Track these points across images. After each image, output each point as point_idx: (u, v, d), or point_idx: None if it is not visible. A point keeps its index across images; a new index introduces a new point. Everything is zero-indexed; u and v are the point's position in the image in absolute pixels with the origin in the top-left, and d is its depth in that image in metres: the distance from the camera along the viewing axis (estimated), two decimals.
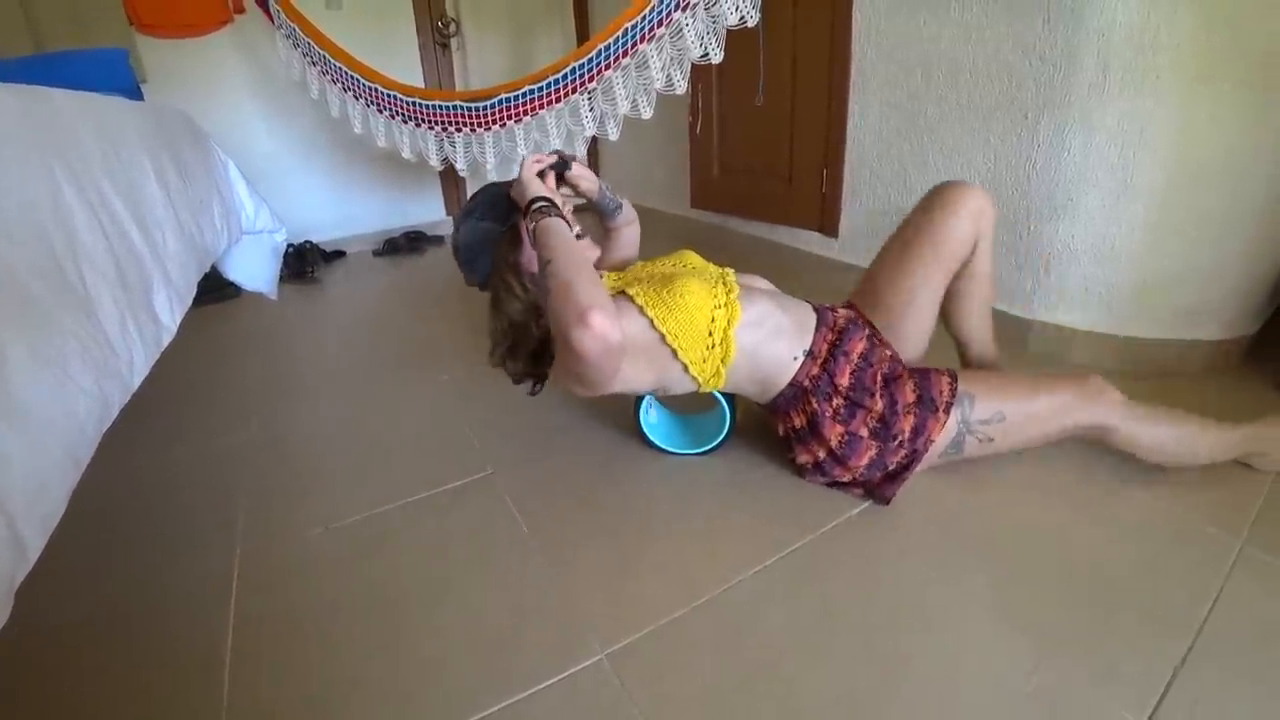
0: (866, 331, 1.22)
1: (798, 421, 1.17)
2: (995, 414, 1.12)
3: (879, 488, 1.15)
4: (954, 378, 1.15)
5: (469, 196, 1.17)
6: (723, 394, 1.27)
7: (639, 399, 1.33)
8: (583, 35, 3.56)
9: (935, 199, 1.24)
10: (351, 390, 1.74)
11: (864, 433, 1.13)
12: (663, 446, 1.33)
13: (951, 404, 1.12)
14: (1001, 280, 1.81)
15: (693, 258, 1.28)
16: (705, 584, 1.00)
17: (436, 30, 3.22)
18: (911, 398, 1.14)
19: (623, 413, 1.43)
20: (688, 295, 1.07)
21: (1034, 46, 1.62)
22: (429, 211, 3.46)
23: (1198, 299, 1.62)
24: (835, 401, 1.13)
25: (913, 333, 1.28)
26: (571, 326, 0.90)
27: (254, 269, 2.08)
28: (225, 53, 2.82)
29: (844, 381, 1.14)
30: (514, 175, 1.15)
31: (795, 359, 1.15)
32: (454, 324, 2.17)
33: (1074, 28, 1.55)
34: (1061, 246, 1.67)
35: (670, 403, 1.40)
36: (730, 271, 1.21)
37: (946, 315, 1.32)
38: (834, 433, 1.13)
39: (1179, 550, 1.04)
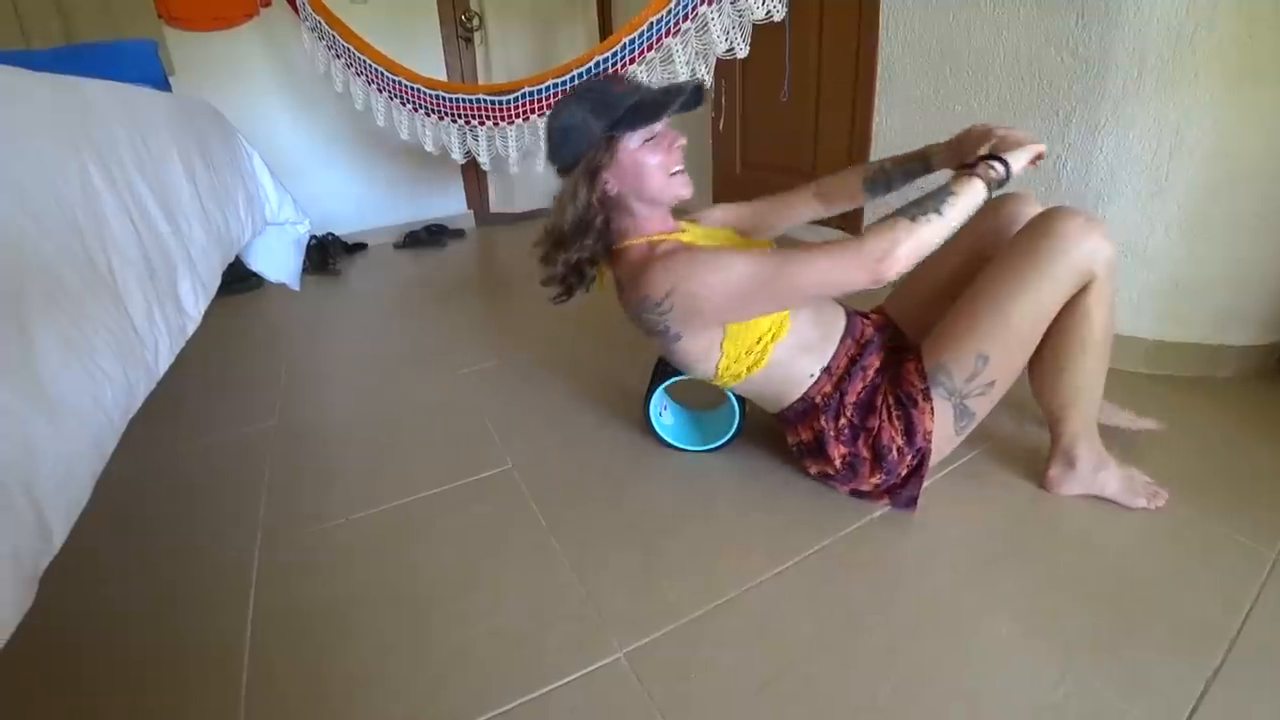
0: (884, 351, 1.19)
1: (805, 436, 1.16)
2: (976, 363, 1.04)
3: (901, 489, 1.12)
4: (918, 358, 1.10)
5: (584, 82, 1.13)
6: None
7: (648, 397, 1.32)
8: (605, 29, 3.54)
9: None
10: (372, 382, 1.75)
11: (866, 453, 1.11)
12: (675, 444, 1.33)
13: (927, 389, 1.08)
14: None
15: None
16: (726, 584, 1.00)
17: (460, 24, 3.23)
18: (891, 401, 1.10)
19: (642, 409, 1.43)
20: None
21: (1067, 43, 1.59)
22: (451, 204, 3.47)
23: (1233, 302, 1.58)
24: (841, 421, 1.11)
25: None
26: (868, 268, 0.94)
27: (277, 260, 2.10)
28: (251, 45, 2.85)
29: (852, 400, 1.12)
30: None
31: (811, 376, 1.13)
32: (473, 318, 2.18)
33: (1109, 24, 1.51)
34: None
35: (683, 399, 1.39)
36: None
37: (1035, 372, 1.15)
38: (838, 453, 1.12)
39: (1211, 560, 1.01)
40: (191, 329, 1.06)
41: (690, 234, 1.14)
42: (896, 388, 1.11)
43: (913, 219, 0.94)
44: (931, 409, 1.07)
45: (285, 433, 1.51)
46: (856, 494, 1.17)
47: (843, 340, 1.16)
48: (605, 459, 1.33)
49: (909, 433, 1.08)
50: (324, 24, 2.37)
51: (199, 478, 1.37)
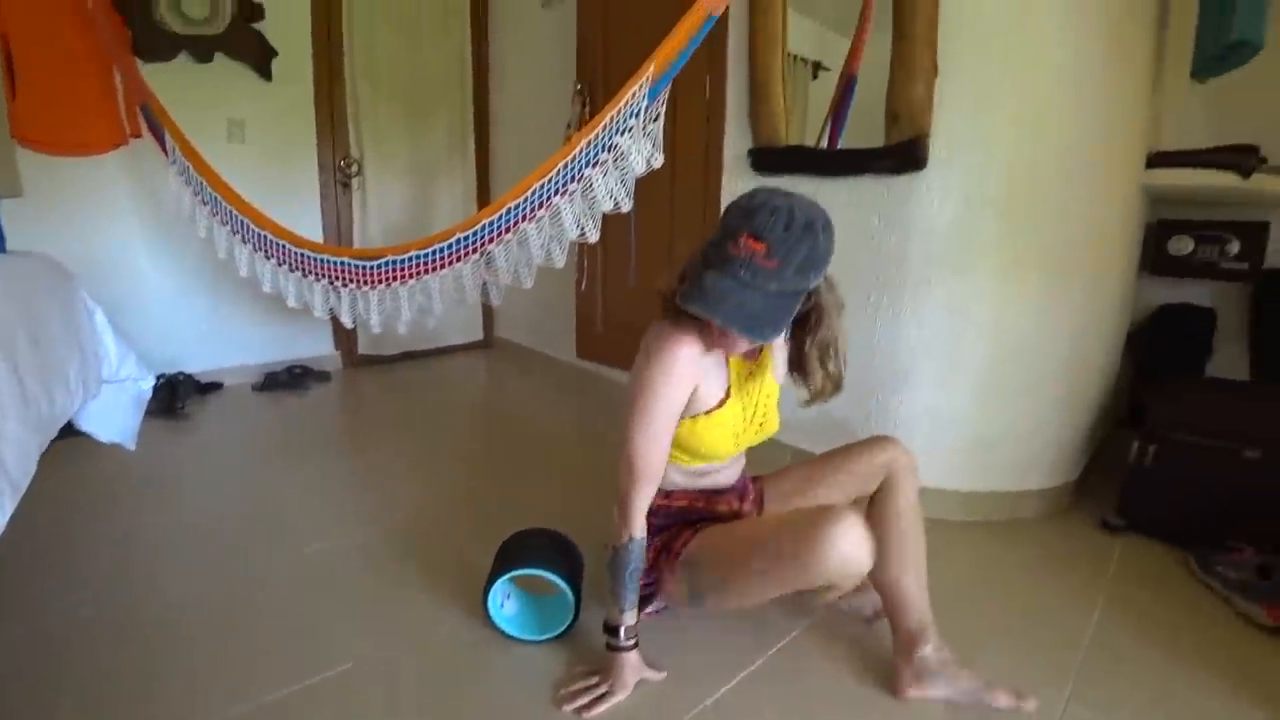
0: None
1: None
2: (718, 582, 1.14)
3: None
4: (697, 532, 1.20)
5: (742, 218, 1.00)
6: (571, 583, 1.28)
7: (488, 587, 1.30)
8: (483, 184, 3.72)
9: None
10: (210, 556, 1.63)
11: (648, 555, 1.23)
12: (515, 635, 1.31)
13: (679, 556, 1.18)
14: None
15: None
16: None
17: (339, 169, 3.30)
18: (662, 540, 1.23)
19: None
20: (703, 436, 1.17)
21: (872, 239, 1.87)
22: (317, 344, 3.36)
23: (1026, 452, 1.85)
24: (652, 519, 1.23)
25: None
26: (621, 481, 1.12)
27: (111, 419, 1.95)
28: (114, 172, 2.74)
29: (653, 520, 1.21)
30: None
31: (671, 485, 1.25)
32: (328, 479, 2.08)
33: (904, 225, 1.81)
34: (905, 414, 1.87)
35: (525, 584, 1.38)
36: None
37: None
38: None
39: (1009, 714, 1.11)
40: None
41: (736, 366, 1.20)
42: (674, 536, 1.22)
43: (613, 559, 1.13)
44: (672, 575, 1.20)
45: (101, 621, 1.35)
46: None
47: (707, 490, 1.27)
48: (452, 652, 1.29)
49: (650, 567, 1.23)
50: (192, 169, 2.36)
51: None
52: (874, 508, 1.23)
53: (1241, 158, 1.75)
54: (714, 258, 0.99)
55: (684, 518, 1.26)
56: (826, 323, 1.11)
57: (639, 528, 1.12)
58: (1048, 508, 1.89)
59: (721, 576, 1.13)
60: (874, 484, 1.24)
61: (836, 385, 1.16)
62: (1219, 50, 1.66)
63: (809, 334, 1.11)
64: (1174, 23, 1.92)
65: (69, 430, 2.08)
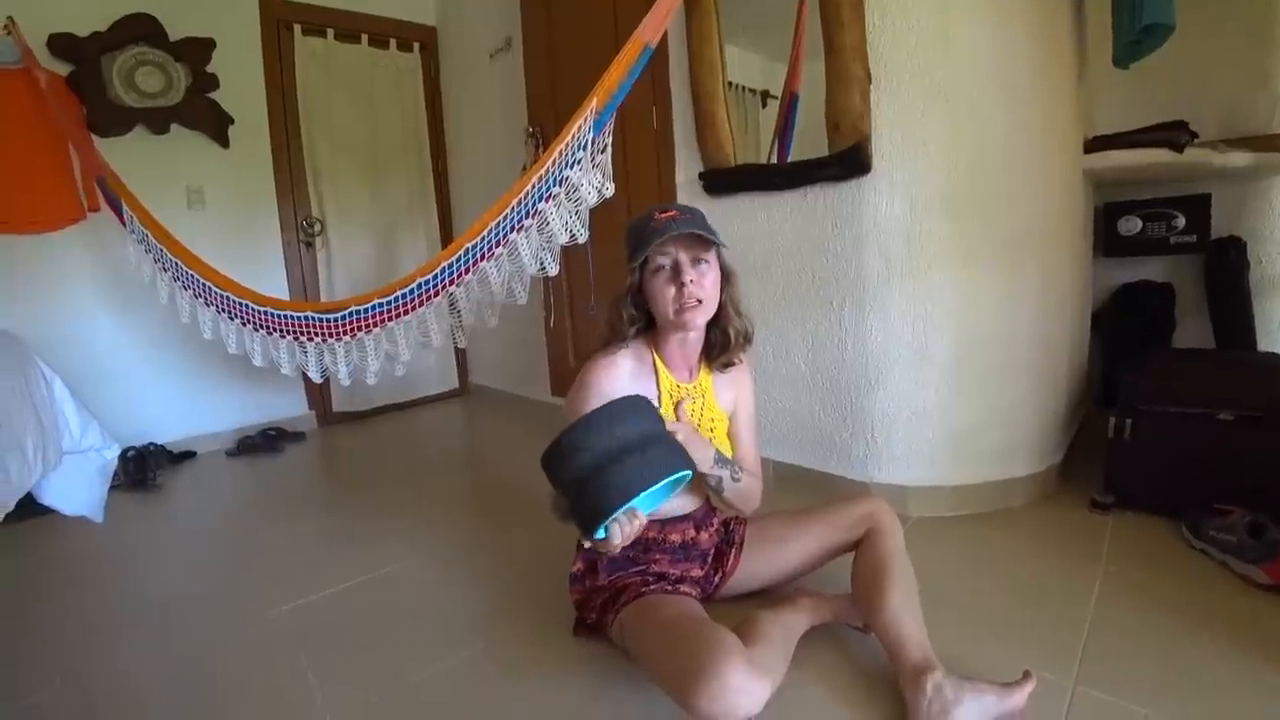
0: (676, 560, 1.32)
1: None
2: (637, 657, 1.14)
3: (581, 619, 1.32)
4: (637, 596, 1.19)
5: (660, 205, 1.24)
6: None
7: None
8: (445, 231, 3.75)
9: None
10: (182, 626, 1.55)
11: (578, 568, 1.32)
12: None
13: (617, 614, 1.19)
14: (838, 447, 1.97)
15: None
16: None
17: (301, 229, 3.30)
18: (613, 587, 1.25)
19: (485, 655, 1.38)
20: None
21: (828, 246, 1.90)
22: (290, 405, 3.32)
23: (1002, 441, 1.84)
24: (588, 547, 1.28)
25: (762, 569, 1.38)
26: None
27: (75, 492, 1.89)
28: (71, 247, 2.72)
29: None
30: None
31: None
32: (303, 539, 2.02)
33: (856, 230, 1.83)
34: (880, 414, 1.86)
35: None
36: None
37: (868, 610, 1.18)
38: (581, 558, 1.32)
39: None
40: None
41: (676, 386, 1.29)
42: (619, 588, 1.24)
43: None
44: (610, 626, 1.23)
45: (70, 703, 1.27)
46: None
47: (659, 518, 1.28)
48: (436, 701, 1.22)
49: (601, 612, 1.25)
50: (151, 236, 2.35)
51: None
52: (862, 555, 1.26)
53: (1173, 134, 1.81)
54: (642, 241, 1.16)
55: (638, 547, 1.28)
56: (735, 284, 1.28)
57: None
58: (1035, 493, 1.88)
59: (637, 655, 1.14)
60: (855, 535, 1.29)
61: (748, 337, 1.31)
62: (1134, 36, 1.73)
63: (724, 291, 1.25)
64: (1091, 16, 2.01)
65: (34, 508, 2.03)
